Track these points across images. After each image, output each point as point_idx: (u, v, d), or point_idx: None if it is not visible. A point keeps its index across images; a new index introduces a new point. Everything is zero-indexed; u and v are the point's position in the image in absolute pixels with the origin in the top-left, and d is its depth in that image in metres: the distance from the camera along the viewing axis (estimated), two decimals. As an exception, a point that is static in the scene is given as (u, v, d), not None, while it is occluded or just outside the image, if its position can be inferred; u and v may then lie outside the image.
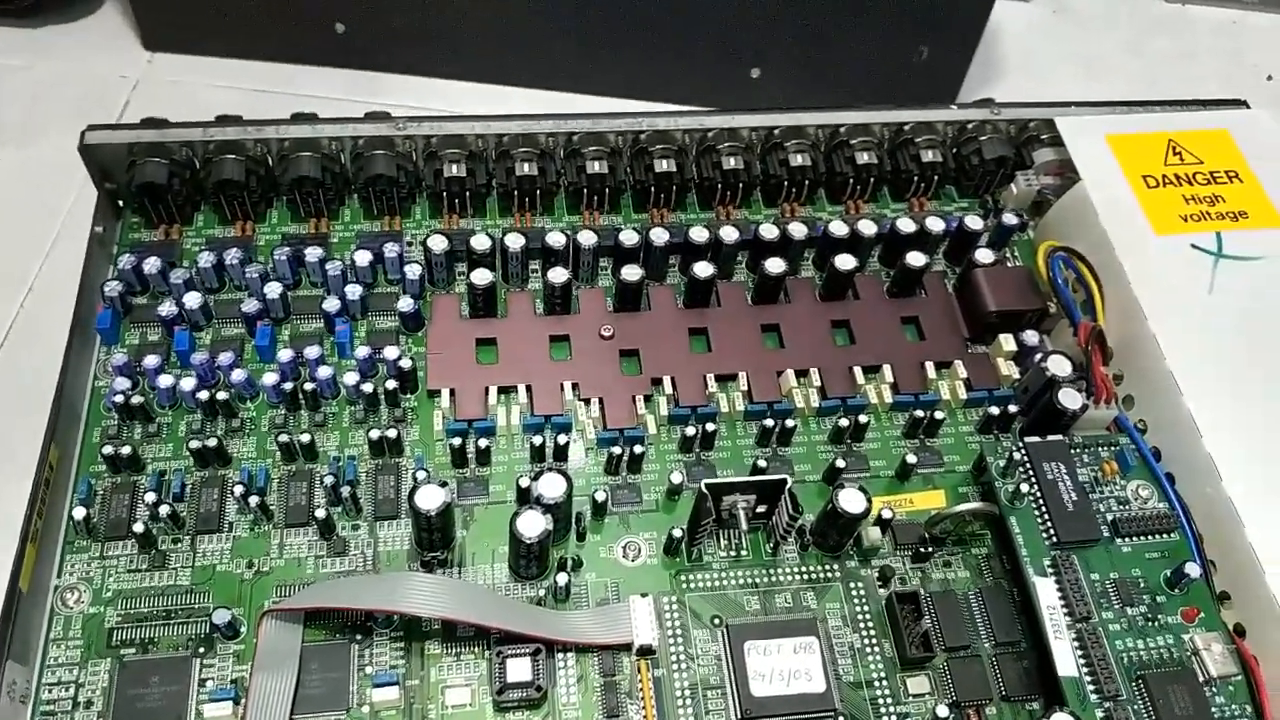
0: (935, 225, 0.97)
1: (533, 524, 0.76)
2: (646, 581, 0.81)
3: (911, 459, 0.87)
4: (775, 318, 0.94)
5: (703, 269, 0.92)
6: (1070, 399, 0.85)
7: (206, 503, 0.82)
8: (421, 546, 0.80)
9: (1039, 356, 0.90)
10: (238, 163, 0.94)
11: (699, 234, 0.94)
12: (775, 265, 0.92)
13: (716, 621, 0.79)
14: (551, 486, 0.78)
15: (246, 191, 0.95)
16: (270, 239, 0.97)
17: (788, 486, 0.78)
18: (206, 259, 0.90)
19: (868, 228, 0.96)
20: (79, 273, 0.91)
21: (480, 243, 0.92)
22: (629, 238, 0.93)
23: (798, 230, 0.95)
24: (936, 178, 1.02)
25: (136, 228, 0.97)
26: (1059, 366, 0.87)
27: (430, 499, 0.76)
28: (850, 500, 0.78)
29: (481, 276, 0.90)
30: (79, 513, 0.79)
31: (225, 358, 0.86)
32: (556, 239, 0.92)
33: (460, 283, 0.96)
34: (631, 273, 0.91)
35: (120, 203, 0.98)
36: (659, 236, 0.93)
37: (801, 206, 1.03)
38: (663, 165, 0.98)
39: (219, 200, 0.95)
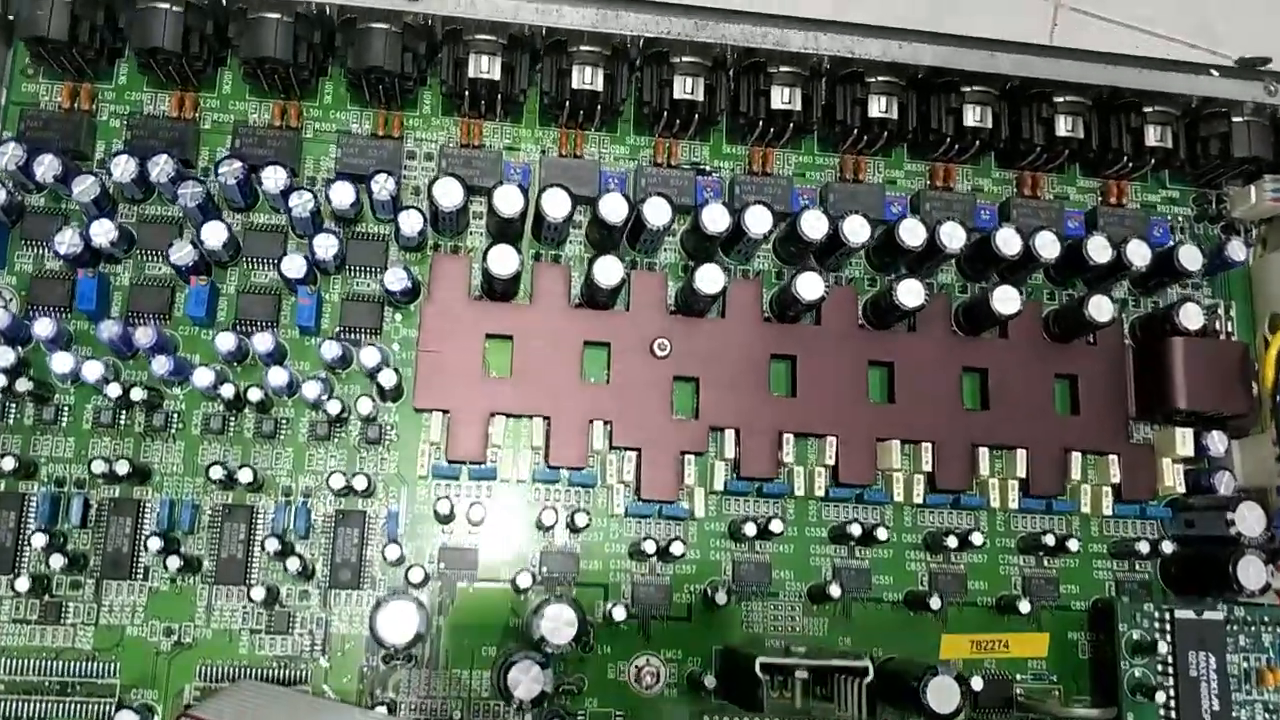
0: (1137, 254, 0.69)
1: (528, 684, 0.58)
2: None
3: (1018, 585, 0.68)
4: (890, 351, 0.69)
5: (809, 288, 0.66)
6: (1252, 574, 0.65)
7: (116, 537, 0.63)
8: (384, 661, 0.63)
9: (1221, 481, 0.68)
10: (173, 18, 0.64)
11: (813, 226, 0.67)
12: (910, 295, 0.66)
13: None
14: (558, 627, 0.59)
15: (186, 58, 0.65)
16: (219, 122, 0.69)
17: (866, 679, 0.60)
18: (124, 168, 0.64)
19: (1047, 245, 0.68)
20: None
21: (507, 202, 0.65)
22: (715, 218, 0.66)
23: (951, 237, 0.67)
24: (1153, 161, 0.72)
25: (31, 76, 0.69)
26: (1248, 521, 0.66)
27: (398, 626, 0.58)
28: (941, 696, 0.60)
29: (503, 263, 0.64)
30: (-57, 552, 0.61)
31: (144, 337, 0.63)
32: (614, 208, 0.65)
33: (474, 238, 0.70)
34: (709, 281, 0.65)
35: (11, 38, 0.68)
36: (757, 221, 0.66)
37: (959, 164, 0.74)
38: (783, 96, 0.68)
39: (147, 61, 0.66)
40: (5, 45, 0.69)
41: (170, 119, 0.68)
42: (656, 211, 0.65)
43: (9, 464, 0.62)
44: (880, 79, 0.68)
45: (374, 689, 0.64)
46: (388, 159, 0.68)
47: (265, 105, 0.69)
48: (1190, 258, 0.69)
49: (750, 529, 0.65)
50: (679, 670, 0.66)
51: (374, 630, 0.58)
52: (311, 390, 0.64)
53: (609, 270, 0.65)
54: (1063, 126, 0.70)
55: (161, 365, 0.63)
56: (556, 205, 0.65)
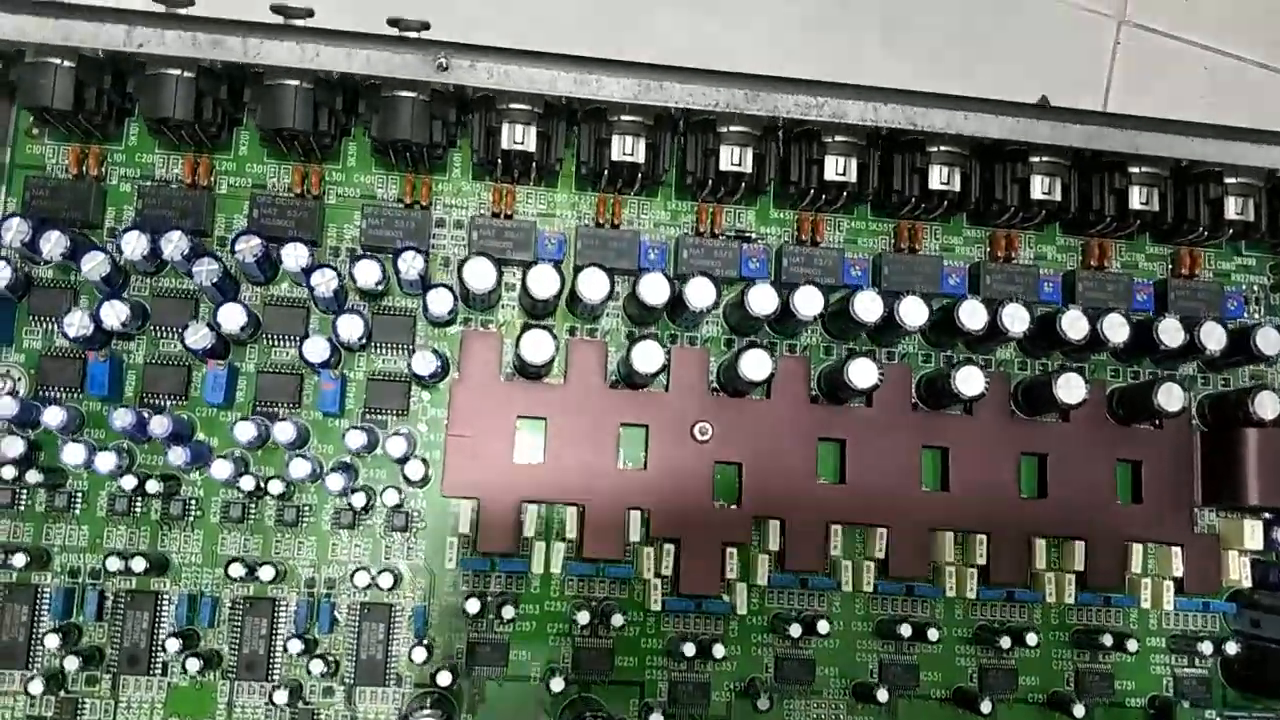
0: (1212, 338, 0.65)
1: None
2: (695, 825, 0.62)
3: (1070, 681, 0.65)
4: (943, 435, 0.66)
5: (862, 375, 0.62)
6: (1324, 687, 0.61)
7: (133, 631, 0.61)
8: (409, 765, 0.60)
9: (1294, 580, 0.64)
10: (185, 86, 0.60)
11: (867, 308, 0.62)
12: (970, 383, 0.62)
13: None
14: (592, 746, 0.56)
15: (199, 124, 0.61)
16: (236, 186, 0.65)
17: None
18: (136, 245, 0.60)
19: (1115, 329, 0.64)
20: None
21: (542, 285, 0.61)
22: (762, 300, 0.62)
23: (1014, 320, 0.63)
24: (1231, 231, 0.68)
25: (36, 137, 0.65)
26: (1323, 629, 0.62)
27: (425, 744, 0.56)
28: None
29: (538, 350, 0.60)
30: (-46, 654, 0.58)
31: (159, 427, 0.60)
32: (655, 289, 0.61)
33: (506, 311, 0.66)
34: (754, 368, 0.61)
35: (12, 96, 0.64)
36: (807, 304, 0.62)
37: (1022, 229, 0.69)
38: (838, 166, 0.63)
39: (159, 127, 0.62)
40: (8, 104, 0.65)
41: (184, 185, 0.64)
42: (699, 293, 0.61)
43: (20, 560, 0.59)
44: (942, 149, 0.63)
45: (401, 790, 0.61)
46: (415, 230, 0.64)
47: (284, 169, 0.65)
48: (1269, 342, 0.65)
49: (794, 629, 0.62)
50: (718, 772, 0.63)
51: (402, 749, 0.56)
52: (335, 483, 0.61)
53: (649, 357, 0.61)
54: (1137, 199, 0.65)
55: (178, 456, 0.60)
56: (594, 288, 0.61)
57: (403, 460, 0.61)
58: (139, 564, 0.60)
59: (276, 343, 0.64)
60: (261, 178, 0.65)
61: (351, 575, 0.61)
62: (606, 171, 0.64)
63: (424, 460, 0.62)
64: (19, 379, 0.63)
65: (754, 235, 0.68)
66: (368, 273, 0.61)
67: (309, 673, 0.60)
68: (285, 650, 0.60)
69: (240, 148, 0.66)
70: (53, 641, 0.58)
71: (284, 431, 0.61)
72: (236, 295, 0.63)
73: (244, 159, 0.65)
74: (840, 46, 1.02)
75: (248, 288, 0.64)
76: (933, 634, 0.63)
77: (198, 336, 0.60)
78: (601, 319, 0.66)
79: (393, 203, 0.66)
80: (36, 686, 0.58)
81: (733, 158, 0.63)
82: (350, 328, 0.61)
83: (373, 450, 0.63)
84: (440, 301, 0.62)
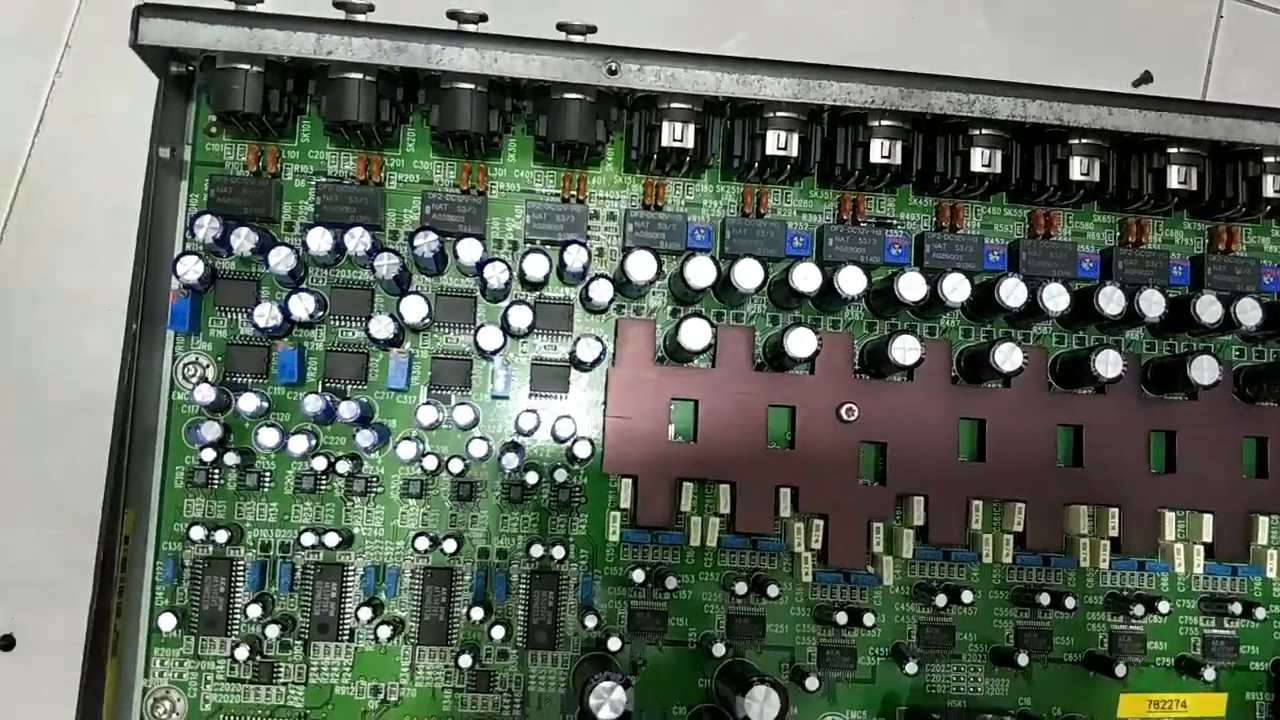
0: (1247, 313, 0.67)
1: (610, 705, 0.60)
2: (847, 777, 0.67)
3: (1197, 646, 0.69)
4: (1075, 414, 0.69)
5: (1008, 360, 0.65)
6: None
7: (322, 602, 0.66)
8: (583, 722, 0.65)
9: None
10: (365, 89, 0.63)
11: (1012, 293, 0.65)
12: (1108, 364, 0.65)
13: (923, 840, 0.66)
14: (763, 709, 0.60)
15: (376, 126, 0.65)
16: (405, 181, 0.69)
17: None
18: (320, 241, 0.64)
19: (1249, 313, 0.66)
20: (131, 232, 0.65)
21: (700, 275, 0.64)
22: (911, 286, 0.65)
23: (1150, 304, 0.66)
24: (1269, 208, 0.70)
25: (214, 136, 0.68)
26: None
27: (610, 706, 0.60)
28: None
29: (697, 338, 0.64)
30: (166, 622, 0.63)
31: (348, 411, 0.64)
32: (806, 278, 0.65)
33: (655, 298, 0.69)
34: (904, 352, 0.65)
35: (191, 91, 0.68)
36: (955, 290, 0.65)
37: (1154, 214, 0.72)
38: (983, 158, 0.66)
39: (335, 127, 0.66)
40: (184, 103, 0.69)
41: (356, 181, 0.68)
42: (851, 281, 0.65)
43: (222, 536, 0.64)
44: (1083, 141, 0.66)
45: (571, 747, 0.66)
46: (575, 224, 0.68)
47: (450, 165, 0.69)
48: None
49: (940, 599, 0.66)
50: (866, 730, 0.68)
51: (586, 709, 0.60)
52: (510, 461, 0.65)
53: (803, 342, 0.64)
54: (1175, 178, 0.67)
55: (366, 439, 0.64)
56: (748, 276, 0.64)
57: (571, 443, 0.65)
58: (332, 539, 0.64)
59: (448, 330, 0.68)
60: (429, 174, 0.69)
61: (527, 547, 0.65)
62: (758, 164, 0.67)
63: (590, 441, 0.66)
64: (207, 366, 0.67)
65: (895, 222, 0.71)
66: (536, 268, 0.65)
67: (491, 638, 0.64)
68: (468, 617, 0.65)
69: (408, 145, 0.69)
70: (255, 611, 0.63)
71: (463, 414, 0.65)
72: (409, 287, 0.67)
73: (411, 155, 0.69)
74: (940, 14, 1.03)
75: (417, 279, 0.68)
76: (1069, 602, 0.66)
77: (381, 327, 0.64)
78: (747, 304, 0.69)
79: (551, 197, 0.69)
80: (242, 652, 0.63)
81: (883, 150, 0.65)
82: (520, 317, 0.65)
83: (532, 432, 0.67)
84: (602, 291, 0.66)
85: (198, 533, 0.64)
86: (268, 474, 0.66)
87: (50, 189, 0.95)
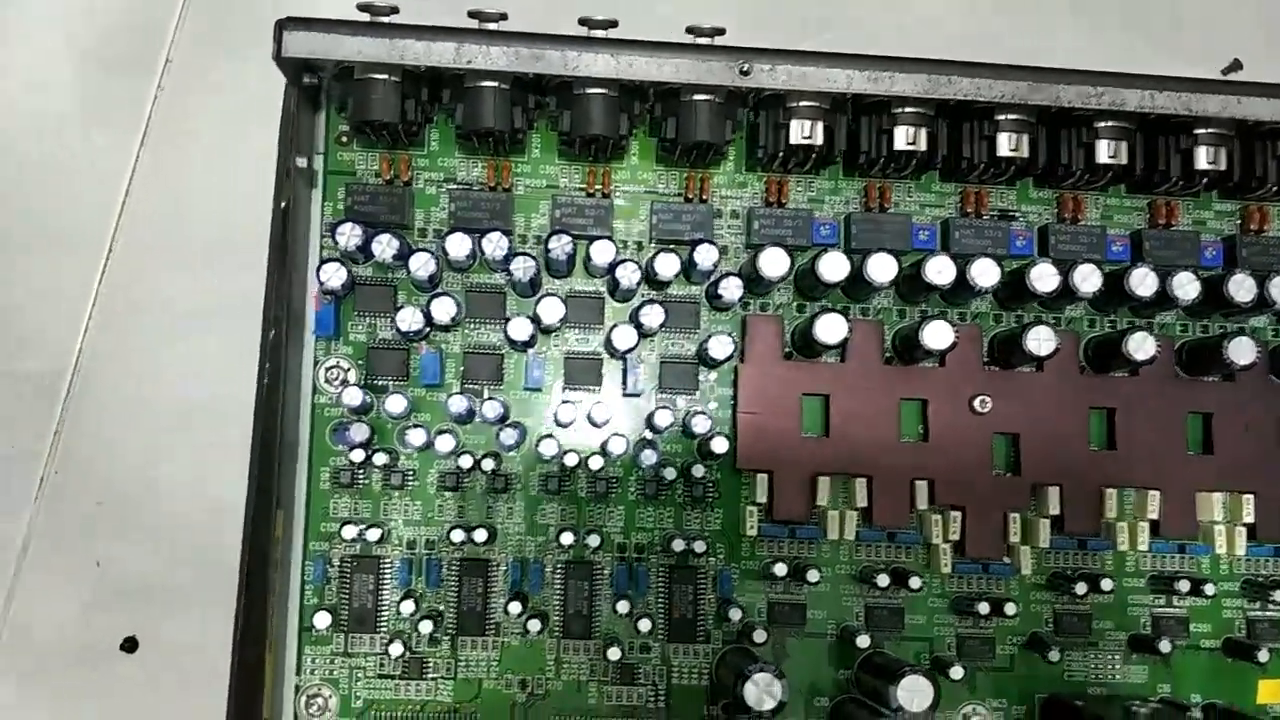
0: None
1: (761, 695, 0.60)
2: (988, 766, 0.67)
3: (1340, 632, 0.69)
4: (1204, 400, 0.69)
5: (1141, 348, 0.65)
6: None
7: (469, 597, 0.67)
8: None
9: None
10: (500, 96, 0.65)
11: (1141, 282, 0.66)
12: (1242, 352, 0.66)
13: (1064, 827, 0.67)
14: (914, 696, 0.61)
15: (509, 133, 0.66)
16: (532, 186, 0.70)
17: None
18: (460, 246, 0.65)
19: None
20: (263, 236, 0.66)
21: (833, 270, 0.65)
22: (1043, 279, 0.65)
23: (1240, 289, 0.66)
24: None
25: (345, 145, 0.70)
26: None
27: (766, 696, 0.60)
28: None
29: (833, 331, 0.65)
30: (321, 620, 0.65)
31: (491, 411, 0.66)
32: (940, 272, 0.65)
33: (780, 294, 0.70)
34: (1039, 342, 0.65)
35: (320, 101, 0.70)
36: (1086, 280, 0.65)
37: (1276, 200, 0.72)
38: (1109, 150, 0.66)
39: (468, 135, 0.67)
40: (311, 113, 0.70)
41: (486, 187, 0.69)
42: (984, 272, 0.65)
43: (374, 534, 0.66)
44: (1208, 131, 0.66)
45: (716, 739, 0.67)
46: (701, 223, 0.69)
47: (575, 169, 0.70)
48: None
49: (1079, 586, 0.66)
50: (1005, 718, 0.68)
51: (742, 700, 0.61)
52: (648, 458, 0.66)
53: (939, 334, 0.65)
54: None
55: (510, 437, 0.66)
56: (881, 270, 0.65)
57: (708, 438, 0.66)
58: (480, 534, 0.66)
59: (578, 331, 0.69)
60: (554, 179, 0.70)
61: (669, 541, 0.66)
62: (883, 159, 0.67)
63: (726, 436, 0.67)
64: (348, 369, 0.69)
65: (1017, 214, 0.71)
66: (668, 265, 0.66)
67: (637, 630, 0.65)
68: (614, 611, 0.66)
69: (534, 150, 0.70)
70: (408, 607, 0.65)
71: (600, 412, 0.66)
72: (550, 292, 0.69)
73: (538, 161, 0.70)
74: (1024, 5, 1.03)
75: (547, 281, 0.70)
76: (1209, 589, 0.67)
77: (519, 328, 0.66)
78: (875, 298, 0.70)
79: (675, 198, 0.70)
80: (396, 649, 0.65)
81: (1009, 143, 0.66)
82: (653, 316, 0.66)
83: (667, 428, 0.68)
84: (731, 289, 0.67)
85: (349, 531, 0.65)
86: (412, 473, 0.68)
87: (154, 203, 0.97)
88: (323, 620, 0.64)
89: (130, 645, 0.93)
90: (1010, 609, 0.66)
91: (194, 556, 0.89)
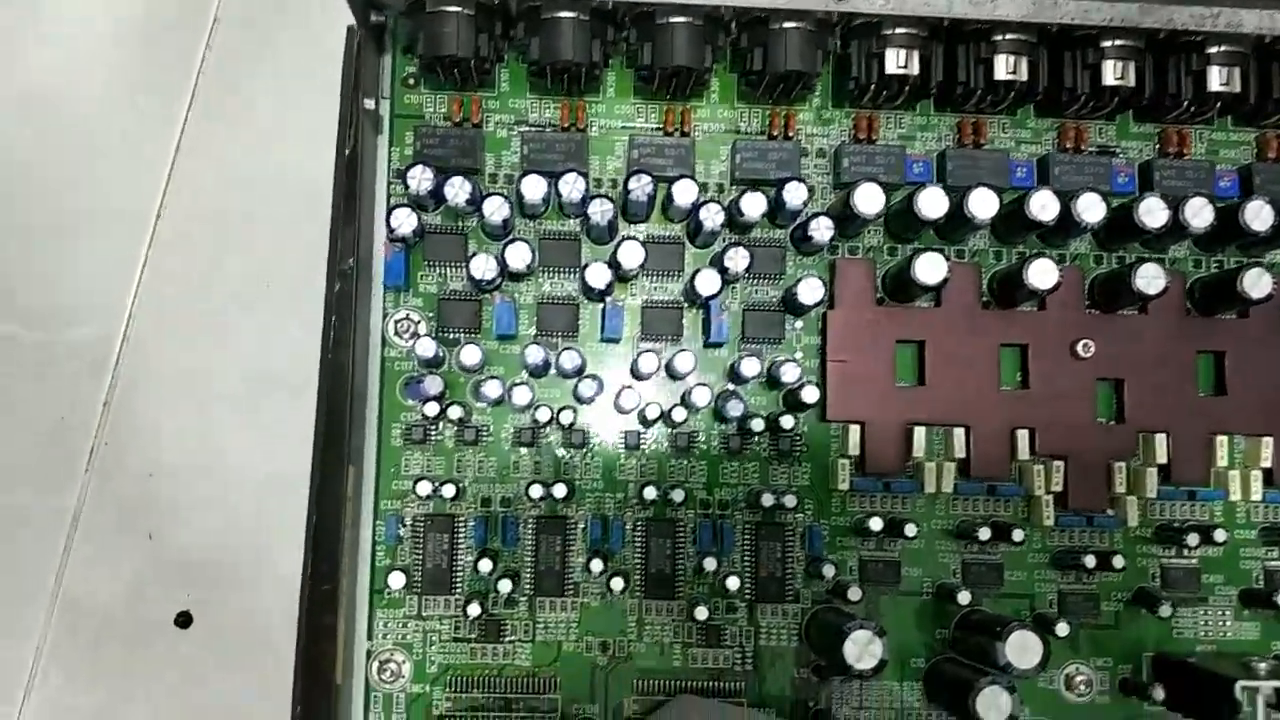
0: None
1: (999, 708, 0.57)
2: (1094, 729, 0.64)
3: None
4: (1311, 342, 0.65)
5: (1256, 285, 0.62)
6: None
7: (547, 556, 0.64)
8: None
9: None
10: (579, 28, 0.61)
11: (1258, 216, 0.62)
12: (1362, 290, 0.62)
13: (1175, 795, 0.63)
14: (1023, 652, 0.58)
15: (586, 67, 0.63)
16: (607, 127, 0.67)
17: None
18: (535, 188, 0.62)
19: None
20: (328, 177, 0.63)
21: (932, 206, 0.62)
22: (1153, 213, 0.62)
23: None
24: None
25: (413, 87, 0.67)
26: None
27: (867, 655, 0.57)
28: None
29: (932, 271, 0.61)
30: (395, 580, 0.62)
31: (569, 361, 0.62)
32: (1044, 205, 0.62)
33: (870, 236, 0.67)
34: (1149, 281, 0.62)
35: (384, 43, 0.67)
36: (1197, 214, 0.62)
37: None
38: (1221, 76, 0.63)
39: (541, 71, 0.64)
40: (376, 56, 0.67)
41: (558, 128, 0.66)
42: (1090, 207, 0.62)
43: (449, 491, 0.63)
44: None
45: (806, 701, 0.64)
46: (787, 161, 0.66)
47: (652, 108, 0.67)
48: None
49: (1195, 537, 0.63)
50: (1110, 677, 0.64)
51: (841, 660, 0.57)
52: (735, 409, 0.63)
53: (1044, 274, 0.61)
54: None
55: (588, 388, 0.63)
56: (983, 205, 0.62)
57: (798, 385, 0.63)
58: (560, 489, 0.63)
59: (657, 280, 0.66)
60: (630, 118, 0.67)
61: (756, 497, 0.63)
62: (980, 91, 0.64)
63: (816, 385, 0.64)
64: (418, 321, 0.66)
65: (1117, 150, 0.67)
66: (754, 204, 0.63)
67: (725, 588, 0.62)
68: (701, 568, 0.63)
69: (608, 89, 0.67)
70: (485, 566, 0.62)
71: (684, 362, 0.63)
72: (615, 235, 0.66)
73: (612, 101, 0.67)
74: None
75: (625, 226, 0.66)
76: (1323, 538, 0.63)
77: (597, 274, 0.63)
78: (970, 239, 0.67)
79: (757, 136, 0.67)
80: (474, 609, 0.62)
81: (1115, 71, 0.62)
82: (738, 259, 0.63)
83: (752, 379, 0.65)
84: (822, 229, 0.63)
85: (424, 488, 0.62)
86: (486, 429, 0.65)
87: (203, 168, 0.94)
88: (397, 581, 0.62)
89: (184, 620, 0.90)
90: (1119, 561, 0.63)
91: (250, 529, 0.86)
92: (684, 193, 0.62)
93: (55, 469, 0.89)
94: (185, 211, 0.92)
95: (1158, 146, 0.67)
